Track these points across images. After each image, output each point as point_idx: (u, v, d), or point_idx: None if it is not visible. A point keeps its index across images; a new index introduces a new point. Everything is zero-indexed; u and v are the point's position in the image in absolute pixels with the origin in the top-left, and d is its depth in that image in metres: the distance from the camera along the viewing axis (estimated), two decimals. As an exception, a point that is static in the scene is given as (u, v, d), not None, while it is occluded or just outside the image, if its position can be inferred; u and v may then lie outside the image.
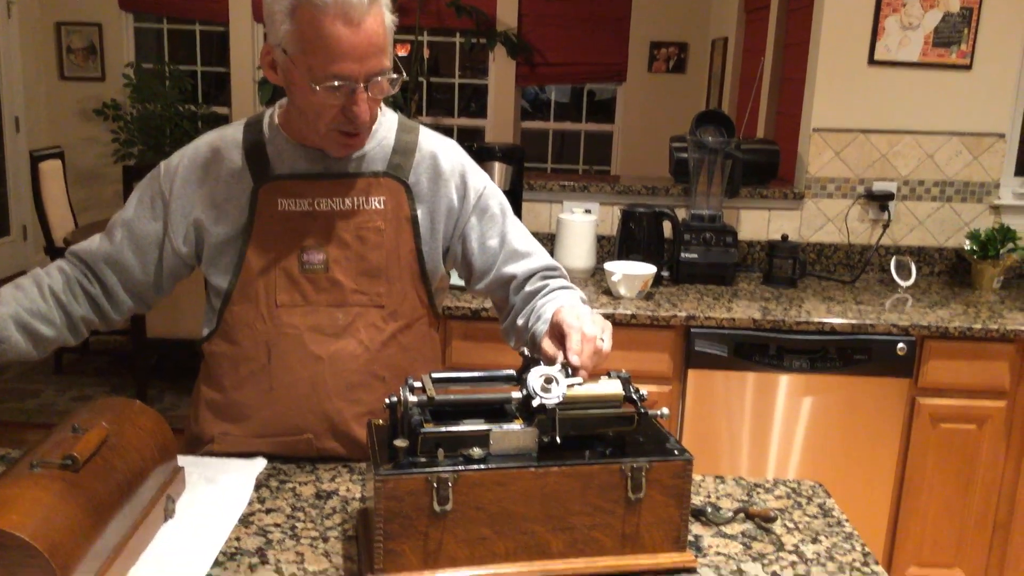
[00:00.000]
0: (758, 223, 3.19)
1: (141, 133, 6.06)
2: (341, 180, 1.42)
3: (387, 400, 1.17)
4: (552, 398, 1.16)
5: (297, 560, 1.21)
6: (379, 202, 1.42)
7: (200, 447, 1.55)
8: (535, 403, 1.17)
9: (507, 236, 1.51)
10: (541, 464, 1.15)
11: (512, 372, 1.26)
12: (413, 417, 1.18)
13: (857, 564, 1.25)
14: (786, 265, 2.95)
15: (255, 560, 1.21)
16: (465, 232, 1.49)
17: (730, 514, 1.36)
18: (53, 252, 4.47)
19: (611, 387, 1.22)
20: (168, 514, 1.29)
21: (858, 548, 1.30)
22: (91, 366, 4.76)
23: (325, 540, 1.26)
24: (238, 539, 1.26)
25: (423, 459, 1.15)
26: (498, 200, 1.52)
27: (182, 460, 1.47)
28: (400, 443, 1.14)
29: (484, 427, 1.17)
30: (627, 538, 1.20)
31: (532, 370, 1.17)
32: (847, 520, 1.38)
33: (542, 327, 1.35)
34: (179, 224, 1.43)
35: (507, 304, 1.52)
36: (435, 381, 1.22)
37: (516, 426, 1.18)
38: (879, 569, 1.24)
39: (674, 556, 1.21)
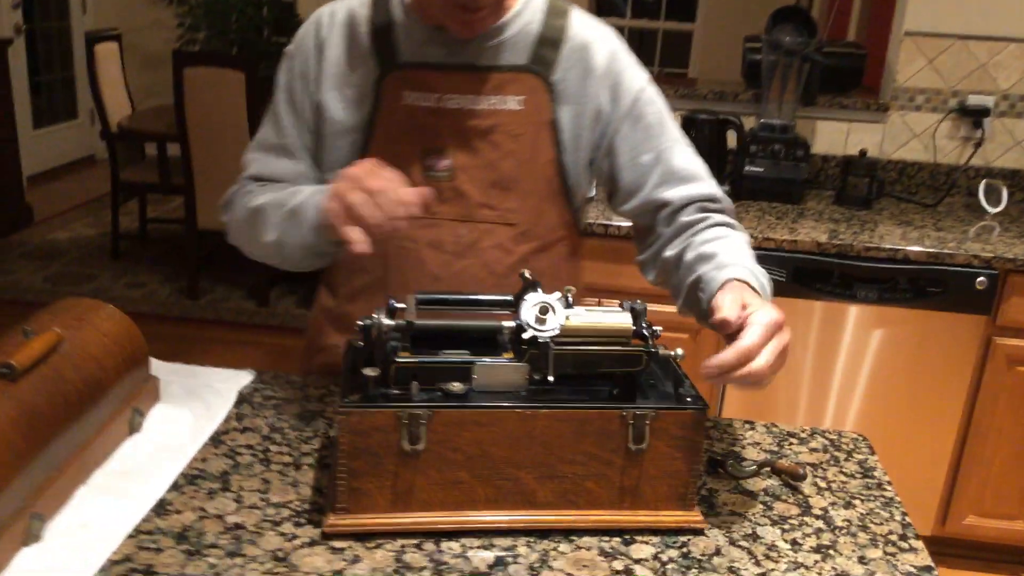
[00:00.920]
0: (834, 136, 2.91)
1: (207, 18, 5.94)
2: (474, 74, 1.21)
3: (360, 321, 1.03)
4: (547, 330, 1.00)
5: (261, 489, 1.10)
6: (517, 102, 1.22)
7: (313, 355, 1.45)
8: (527, 335, 1.01)
9: (664, 152, 1.26)
10: (529, 405, 1.01)
11: (511, 297, 1.10)
12: (388, 343, 1.04)
13: (894, 537, 1.09)
14: (862, 184, 2.69)
15: (216, 486, 1.11)
16: (614, 143, 1.26)
17: (753, 467, 1.20)
18: (109, 137, 4.43)
19: (618, 320, 1.06)
20: (134, 428, 1.20)
21: (897, 517, 1.13)
22: (147, 253, 4.77)
23: (298, 467, 1.15)
24: (204, 460, 1.16)
25: (396, 391, 1.01)
26: (657, 107, 1.27)
27: (166, 368, 1.37)
28: (370, 372, 1.00)
29: (467, 359, 1.02)
30: (625, 491, 1.05)
31: (527, 297, 1.01)
32: (890, 483, 1.21)
33: (705, 294, 1.14)
34: (306, 108, 1.27)
35: (652, 233, 1.30)
36: (420, 303, 1.07)
37: (504, 360, 1.03)
38: (918, 545, 1.07)
39: (678, 515, 1.07)
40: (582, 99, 1.24)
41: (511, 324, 1.04)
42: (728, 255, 1.14)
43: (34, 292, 4.17)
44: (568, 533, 1.05)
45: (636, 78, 1.27)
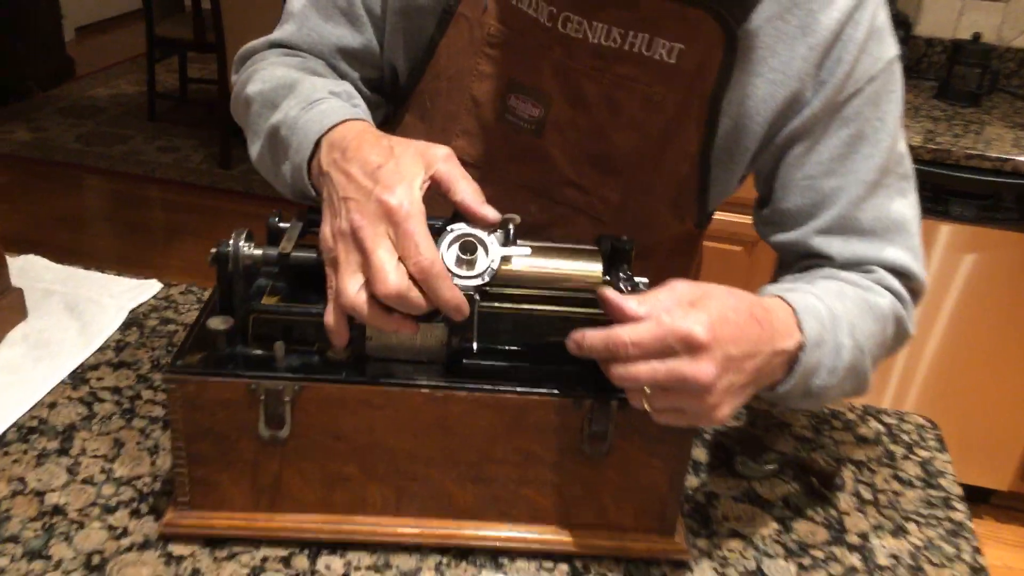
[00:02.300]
0: (944, 15, 2.42)
1: None
2: None
3: (213, 249, 0.72)
4: (471, 277, 0.69)
5: (108, 454, 0.84)
6: (670, 52, 0.80)
7: None
8: (443, 283, 0.70)
9: (857, 183, 0.81)
10: (441, 384, 0.70)
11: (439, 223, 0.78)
12: (255, 282, 0.75)
13: (958, 590, 0.77)
14: (971, 75, 2.23)
15: (53, 444, 0.85)
16: (794, 146, 0.82)
17: (773, 465, 0.89)
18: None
19: (582, 266, 0.74)
20: (-24, 356, 0.94)
21: (967, 554, 0.81)
22: (185, 116, 4.53)
23: (165, 426, 0.88)
24: (52, 406, 0.90)
25: (255, 353, 0.72)
26: (881, 113, 0.81)
27: (53, 272, 1.11)
28: (217, 323, 0.71)
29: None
30: (578, 504, 0.76)
31: (450, 228, 0.70)
32: (961, 498, 0.89)
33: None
34: None
35: (786, 271, 0.89)
36: (309, 225, 0.76)
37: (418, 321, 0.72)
38: (994, 606, 0.75)
39: (652, 540, 0.77)
40: (778, 72, 0.79)
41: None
42: (814, 288, 0.77)
43: (64, 152, 3.98)
44: (497, 555, 0.76)
45: (874, 59, 0.80)
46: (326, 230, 0.68)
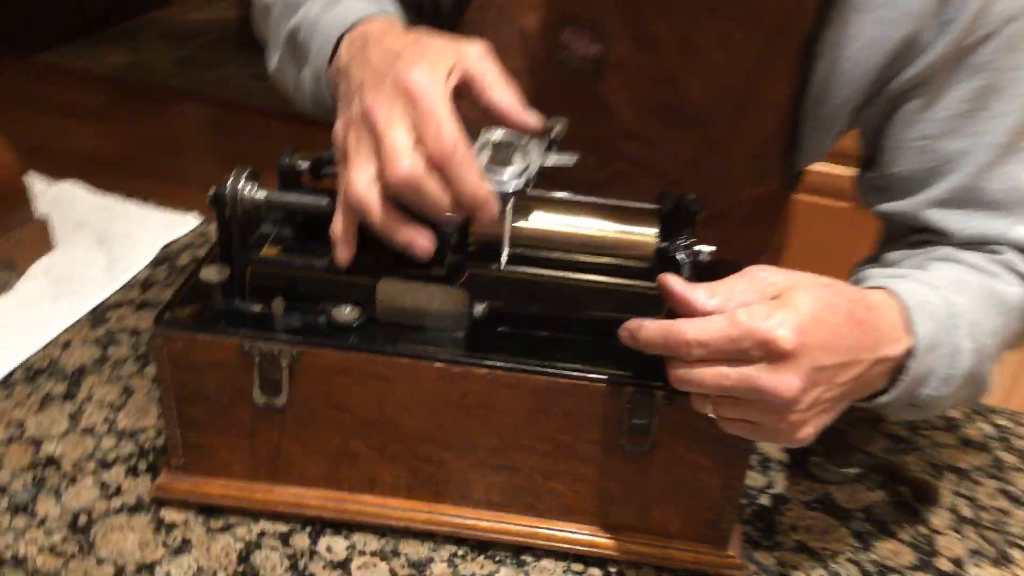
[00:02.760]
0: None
1: None
2: None
3: (212, 191, 0.63)
4: (504, 183, 0.57)
5: (114, 403, 0.78)
6: None
7: None
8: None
9: (984, 147, 0.67)
10: (457, 358, 0.61)
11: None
12: (259, 229, 0.66)
13: (1070, 642, 0.64)
14: None
15: (59, 388, 0.79)
16: (906, 101, 0.69)
17: (857, 470, 0.77)
18: (242, -91, 4.06)
19: (633, 230, 0.62)
20: (-3, 287, 0.89)
21: (1085, 595, 0.68)
22: (282, 43, 4.49)
23: (180, 375, 0.81)
24: (66, 345, 0.84)
25: (252, 309, 0.63)
26: (1016, 61, 0.66)
27: (90, 203, 1.05)
28: (211, 274, 0.62)
29: (366, 273, 0.62)
30: (614, 502, 0.65)
31: (483, 131, 0.58)
32: (1083, 523, 0.75)
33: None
34: None
35: (895, 245, 0.75)
36: (326, 163, 0.66)
37: (430, 283, 0.62)
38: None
39: (701, 550, 0.66)
40: (890, 8, 0.65)
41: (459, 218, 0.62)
42: (929, 275, 0.64)
43: (161, 75, 4.00)
44: (520, 551, 0.67)
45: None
46: (338, 125, 0.58)
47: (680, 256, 0.62)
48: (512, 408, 0.61)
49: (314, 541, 0.66)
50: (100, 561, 0.63)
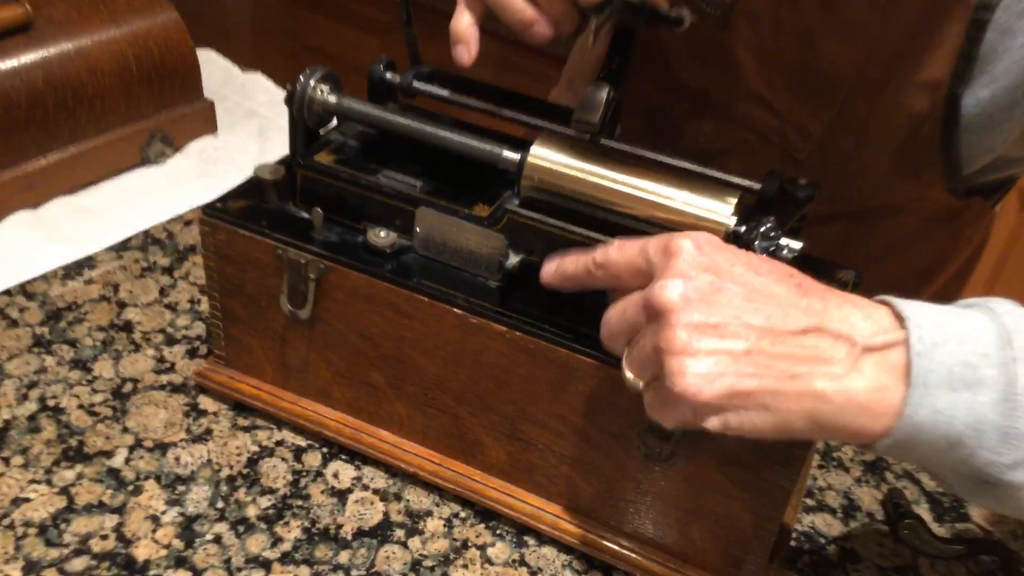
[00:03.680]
0: None
1: None
2: None
3: (288, 84, 0.61)
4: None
5: (204, 287, 0.80)
6: None
7: None
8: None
9: None
10: (475, 306, 0.55)
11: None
12: (325, 135, 0.63)
13: None
14: None
15: (164, 261, 0.82)
16: None
17: (960, 548, 0.63)
18: None
19: (704, 204, 0.53)
20: (149, 158, 0.94)
21: None
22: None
23: (273, 273, 0.82)
24: (188, 223, 0.87)
25: (297, 215, 0.61)
26: None
27: (278, 98, 1.09)
28: (265, 172, 0.61)
29: (409, 193, 0.58)
30: (628, 506, 0.58)
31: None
32: None
33: None
34: None
35: None
36: (419, 77, 0.63)
37: (468, 220, 0.57)
38: None
39: (717, 588, 0.57)
40: None
41: (514, 156, 0.57)
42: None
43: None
44: (523, 531, 0.61)
45: None
46: None
47: (757, 246, 0.52)
48: (529, 375, 0.55)
49: (324, 463, 0.64)
50: (125, 430, 0.65)
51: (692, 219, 0.52)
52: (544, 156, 0.55)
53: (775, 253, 0.52)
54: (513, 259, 0.56)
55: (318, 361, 0.63)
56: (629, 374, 0.45)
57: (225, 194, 0.63)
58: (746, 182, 0.54)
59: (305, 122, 0.60)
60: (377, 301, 0.58)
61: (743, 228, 0.52)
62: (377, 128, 0.61)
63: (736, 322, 0.41)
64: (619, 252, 0.46)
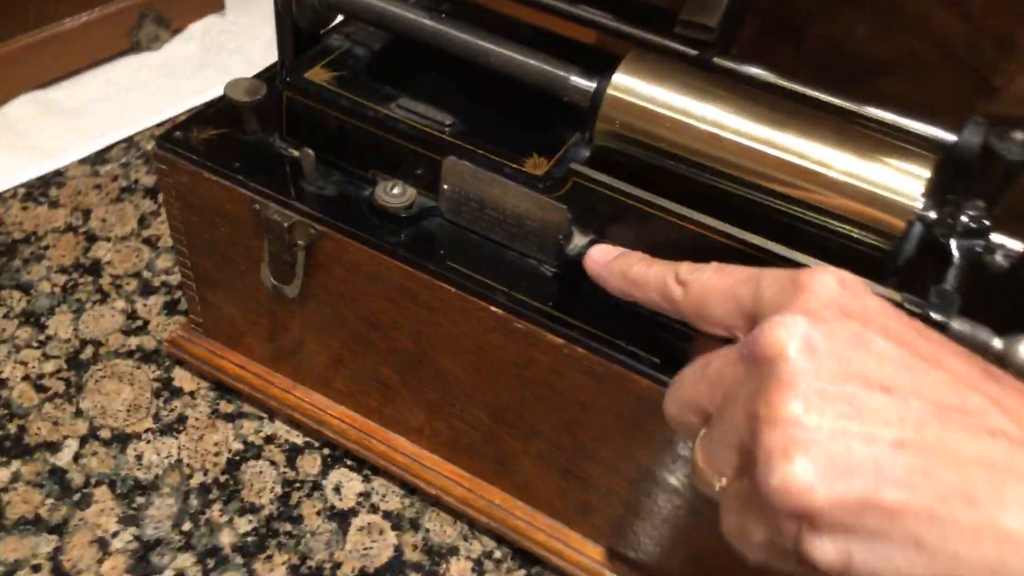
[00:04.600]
0: None
1: None
2: None
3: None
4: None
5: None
6: None
7: None
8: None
9: None
10: (524, 307, 0.38)
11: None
12: (324, 42, 0.45)
13: None
14: None
15: (149, 179, 0.67)
16: None
17: None
18: None
19: (890, 177, 0.34)
20: (140, 44, 0.77)
21: None
22: None
23: (280, 199, 0.66)
24: (186, 128, 0.71)
25: (287, 153, 0.44)
26: None
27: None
28: (239, 91, 0.44)
29: (433, 137, 0.40)
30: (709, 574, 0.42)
31: None
32: None
33: None
34: None
35: None
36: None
37: (518, 182, 0.39)
38: None
39: None
40: None
41: (587, 84, 0.38)
42: None
43: None
44: (575, 581, 0.47)
45: None
46: None
47: (954, 244, 0.34)
48: (593, 404, 0.39)
49: (324, 471, 0.50)
50: (78, 413, 0.51)
51: (863, 197, 0.34)
52: (632, 86, 0.37)
53: (983, 251, 0.34)
54: (579, 240, 0.39)
55: (314, 344, 0.48)
56: (702, 464, 0.28)
57: (190, 117, 0.46)
58: (932, 129, 0.36)
59: (294, 19, 0.43)
60: (387, 283, 0.41)
61: (934, 214, 0.34)
62: (395, 32, 0.43)
63: (885, 396, 0.24)
64: (718, 274, 0.29)
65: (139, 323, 0.57)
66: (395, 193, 0.41)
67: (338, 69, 0.43)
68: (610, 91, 0.37)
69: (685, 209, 0.36)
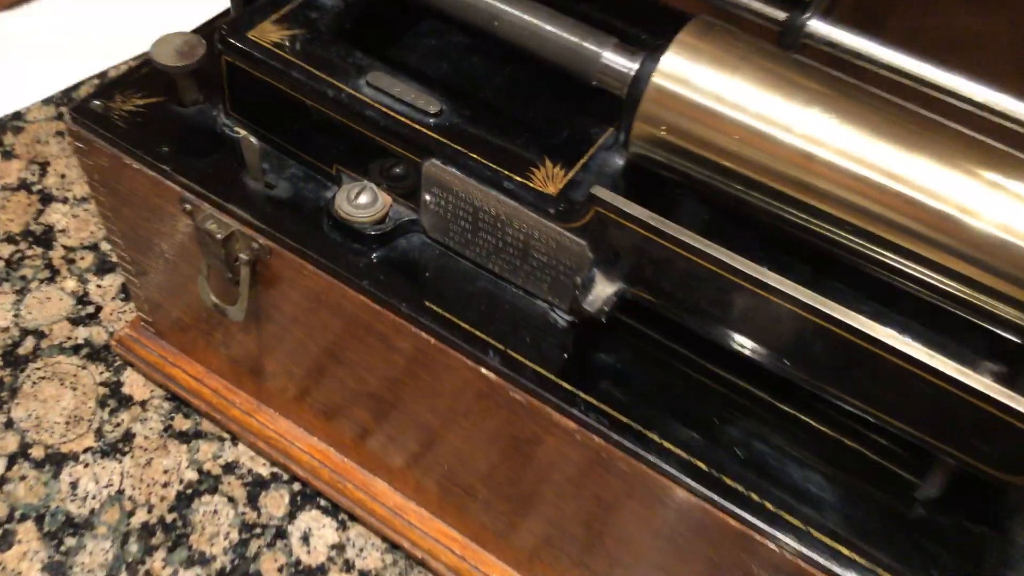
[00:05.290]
0: None
1: None
2: None
3: None
4: None
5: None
6: None
7: None
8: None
9: None
10: (532, 383, 0.28)
11: None
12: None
13: None
14: None
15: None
16: None
17: None
18: None
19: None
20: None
21: None
22: None
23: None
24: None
25: (230, 132, 0.34)
26: None
27: None
28: (168, 51, 0.33)
29: (412, 130, 0.29)
30: None
31: None
32: None
33: None
34: None
35: None
36: None
37: (522, 203, 0.28)
38: None
39: None
40: None
41: (626, 65, 0.27)
42: None
43: None
44: None
45: None
46: None
47: None
48: (619, 506, 0.29)
49: (292, 512, 0.41)
50: (8, 424, 0.43)
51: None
52: (689, 73, 0.25)
53: None
54: (603, 288, 0.28)
55: (275, 367, 0.38)
56: None
57: (115, 79, 0.36)
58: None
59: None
60: (351, 319, 0.31)
61: None
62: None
63: None
64: None
65: (90, 309, 0.48)
66: (362, 202, 0.30)
67: (295, 25, 0.32)
68: (656, 78, 0.25)
69: (772, 277, 0.24)
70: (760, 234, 0.26)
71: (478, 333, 0.29)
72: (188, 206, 0.32)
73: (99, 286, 0.49)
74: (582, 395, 0.27)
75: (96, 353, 0.46)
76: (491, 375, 0.28)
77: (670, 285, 0.26)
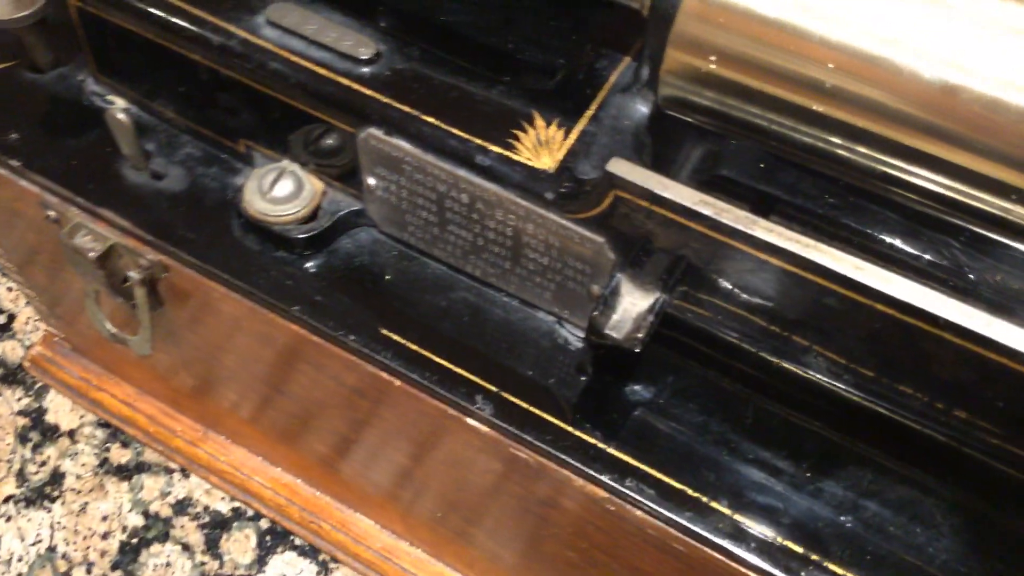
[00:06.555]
0: None
1: None
2: None
3: None
4: None
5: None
6: None
7: None
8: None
9: None
10: (532, 436, 0.20)
11: None
12: None
13: None
14: None
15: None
16: None
17: None
18: None
19: None
20: None
21: None
22: None
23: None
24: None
25: (103, 101, 0.25)
26: None
27: None
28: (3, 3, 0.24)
29: (340, 86, 0.20)
30: None
31: None
32: None
33: None
34: None
35: None
36: None
37: (506, 186, 0.19)
38: None
39: None
40: None
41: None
42: None
43: None
44: None
45: None
46: None
47: None
48: (638, 567, 0.21)
49: (263, 557, 0.34)
50: (-95, 476, 0.35)
51: None
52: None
53: None
54: (632, 301, 0.19)
55: (212, 391, 0.30)
56: None
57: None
58: None
59: None
60: (288, 351, 0.23)
61: None
62: None
63: None
64: None
65: (2, 319, 0.39)
66: (281, 193, 0.22)
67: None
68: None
69: (875, 277, 0.16)
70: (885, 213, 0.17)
71: (458, 370, 0.20)
72: (52, 213, 0.24)
73: (10, 288, 0.40)
74: (611, 451, 0.19)
75: (11, 374, 0.38)
76: (481, 427, 0.20)
77: (753, 290, 0.17)
